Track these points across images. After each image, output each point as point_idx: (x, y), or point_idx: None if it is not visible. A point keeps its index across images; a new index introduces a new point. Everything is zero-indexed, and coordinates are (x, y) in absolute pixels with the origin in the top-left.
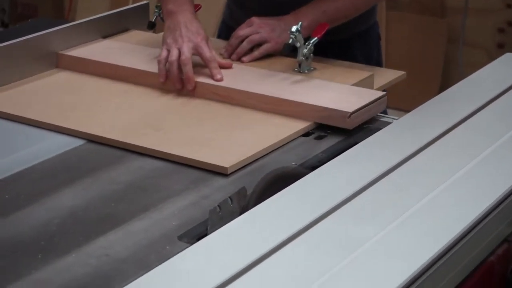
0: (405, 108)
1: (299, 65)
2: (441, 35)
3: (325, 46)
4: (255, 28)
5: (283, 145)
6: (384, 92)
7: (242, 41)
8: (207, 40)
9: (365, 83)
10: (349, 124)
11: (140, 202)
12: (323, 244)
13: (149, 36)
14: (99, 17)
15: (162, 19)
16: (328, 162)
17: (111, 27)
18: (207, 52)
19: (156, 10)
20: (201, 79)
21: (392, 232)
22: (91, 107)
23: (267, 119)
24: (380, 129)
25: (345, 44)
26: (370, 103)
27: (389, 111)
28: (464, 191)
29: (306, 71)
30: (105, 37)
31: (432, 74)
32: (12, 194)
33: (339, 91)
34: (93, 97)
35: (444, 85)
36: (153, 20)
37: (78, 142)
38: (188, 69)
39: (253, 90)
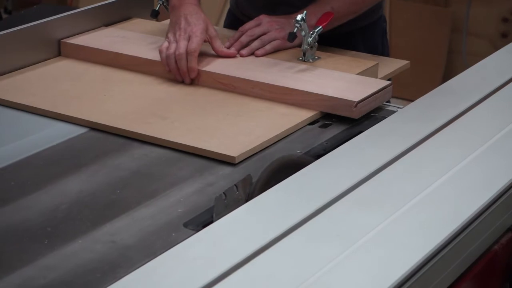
0: (408, 97)
1: (304, 54)
2: (445, 24)
3: (327, 39)
4: (265, 28)
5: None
6: (389, 81)
7: (252, 39)
8: (205, 30)
9: (370, 73)
10: (356, 114)
11: (146, 189)
12: (327, 232)
13: (152, 25)
14: (103, 5)
15: (166, 8)
16: (333, 151)
17: (115, 15)
18: (191, 44)
19: None
20: (206, 68)
21: (396, 221)
22: (95, 95)
23: (272, 108)
24: (385, 118)
25: (347, 38)
26: (376, 92)
27: (392, 100)
28: (468, 180)
29: (311, 60)
30: (108, 25)
31: (435, 64)
32: (18, 180)
33: (344, 80)
34: (97, 85)
35: (447, 75)
36: (157, 9)
37: (82, 130)
38: (183, 64)
39: (257, 79)
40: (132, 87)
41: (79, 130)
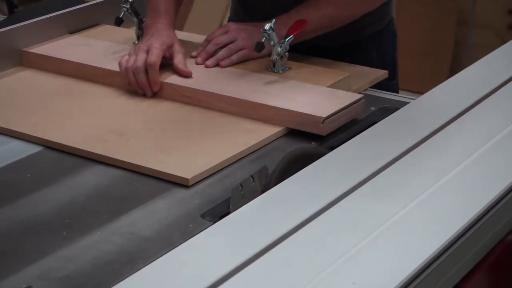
0: (415, 89)
1: (273, 65)
2: (451, 17)
3: (338, 49)
4: (232, 36)
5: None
6: (361, 95)
7: (218, 47)
8: (166, 44)
9: (342, 84)
10: (323, 130)
11: (162, 181)
12: (344, 222)
13: (119, 32)
14: (68, 12)
15: (131, 15)
16: (348, 142)
17: (80, 22)
18: (150, 56)
19: (124, 6)
20: (169, 80)
21: (413, 211)
22: (52, 110)
23: (237, 124)
24: (398, 108)
25: (358, 46)
26: (346, 107)
27: (399, 92)
28: (484, 169)
29: (281, 71)
30: (73, 32)
31: (442, 56)
32: (34, 173)
33: (313, 94)
34: (55, 99)
35: (454, 67)
36: (121, 16)
37: (36, 149)
38: (142, 77)
39: (222, 93)
40: (92, 100)
41: (32, 149)
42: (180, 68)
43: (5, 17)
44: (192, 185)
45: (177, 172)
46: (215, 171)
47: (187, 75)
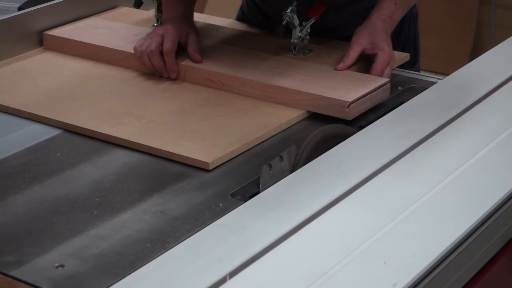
0: (437, 69)
1: (294, 48)
2: None
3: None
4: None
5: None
6: (387, 79)
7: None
8: (181, 30)
9: None
10: (348, 115)
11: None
12: (374, 202)
13: (138, 14)
14: None
15: None
16: (376, 121)
17: (100, 4)
18: (166, 43)
19: None
20: (190, 63)
21: (443, 190)
22: (71, 93)
23: (258, 107)
24: (425, 88)
25: None
26: (372, 91)
27: (421, 72)
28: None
29: (302, 54)
30: (93, 14)
31: (464, 36)
32: (63, 152)
33: (337, 77)
34: (75, 81)
35: (476, 48)
36: None
37: (55, 132)
38: (157, 60)
39: (244, 76)
40: (112, 82)
41: (51, 132)
42: (191, 53)
43: None
44: (221, 164)
45: (197, 156)
46: (235, 155)
47: (197, 61)
